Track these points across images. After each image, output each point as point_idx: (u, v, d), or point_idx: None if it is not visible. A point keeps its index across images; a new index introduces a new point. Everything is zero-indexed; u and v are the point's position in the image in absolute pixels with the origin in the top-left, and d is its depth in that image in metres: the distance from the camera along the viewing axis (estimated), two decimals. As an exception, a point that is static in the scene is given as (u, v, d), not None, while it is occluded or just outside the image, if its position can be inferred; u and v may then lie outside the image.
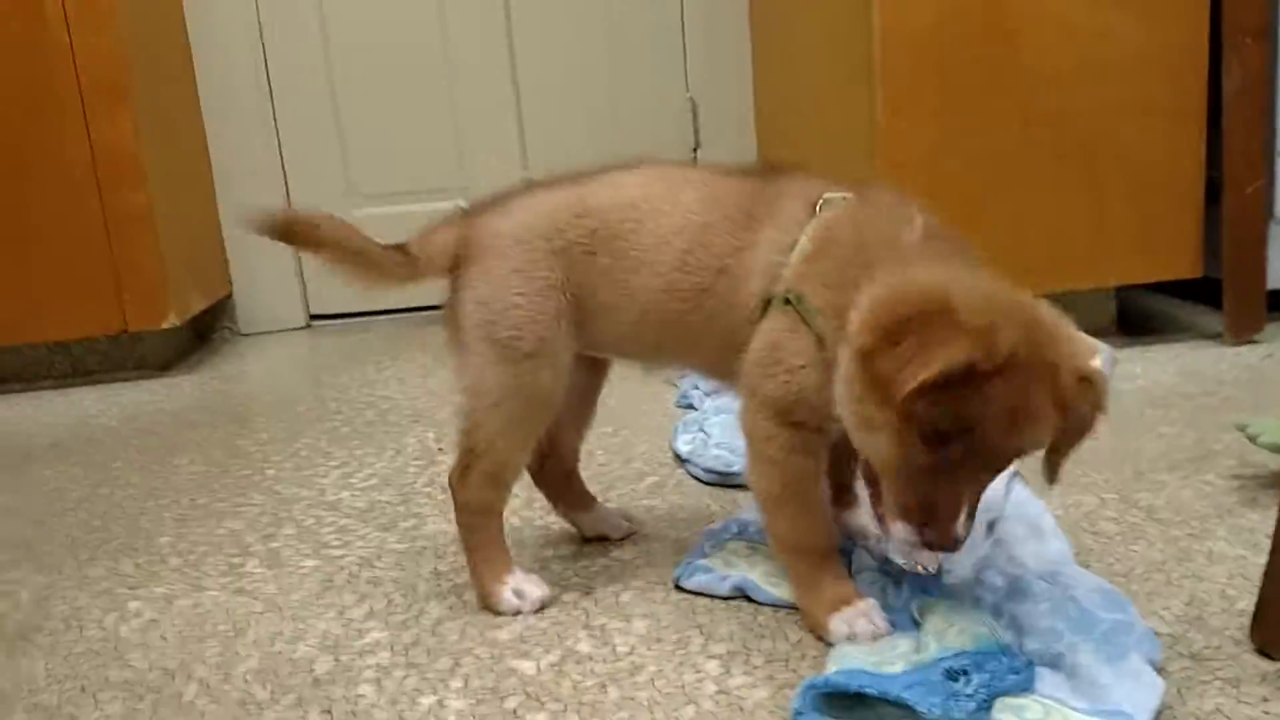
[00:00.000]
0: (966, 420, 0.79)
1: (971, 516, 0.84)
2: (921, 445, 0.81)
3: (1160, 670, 0.86)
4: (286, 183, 2.59)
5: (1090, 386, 0.83)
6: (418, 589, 1.17)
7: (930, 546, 0.84)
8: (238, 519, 1.41)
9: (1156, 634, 0.92)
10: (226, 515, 1.42)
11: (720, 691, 0.92)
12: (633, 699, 0.92)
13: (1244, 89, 1.77)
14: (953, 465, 0.82)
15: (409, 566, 1.22)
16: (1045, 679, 0.85)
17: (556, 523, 1.31)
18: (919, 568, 0.98)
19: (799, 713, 0.83)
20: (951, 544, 0.83)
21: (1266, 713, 0.82)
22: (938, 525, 0.83)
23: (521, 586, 1.08)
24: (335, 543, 1.31)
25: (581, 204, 1.04)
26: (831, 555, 1.00)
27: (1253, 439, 1.21)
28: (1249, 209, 1.80)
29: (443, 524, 1.33)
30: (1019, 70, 1.74)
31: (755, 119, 2.61)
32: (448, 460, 1.55)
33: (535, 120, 2.63)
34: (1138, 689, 0.83)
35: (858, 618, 0.95)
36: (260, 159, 2.56)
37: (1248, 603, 0.94)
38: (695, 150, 2.65)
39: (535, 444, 1.09)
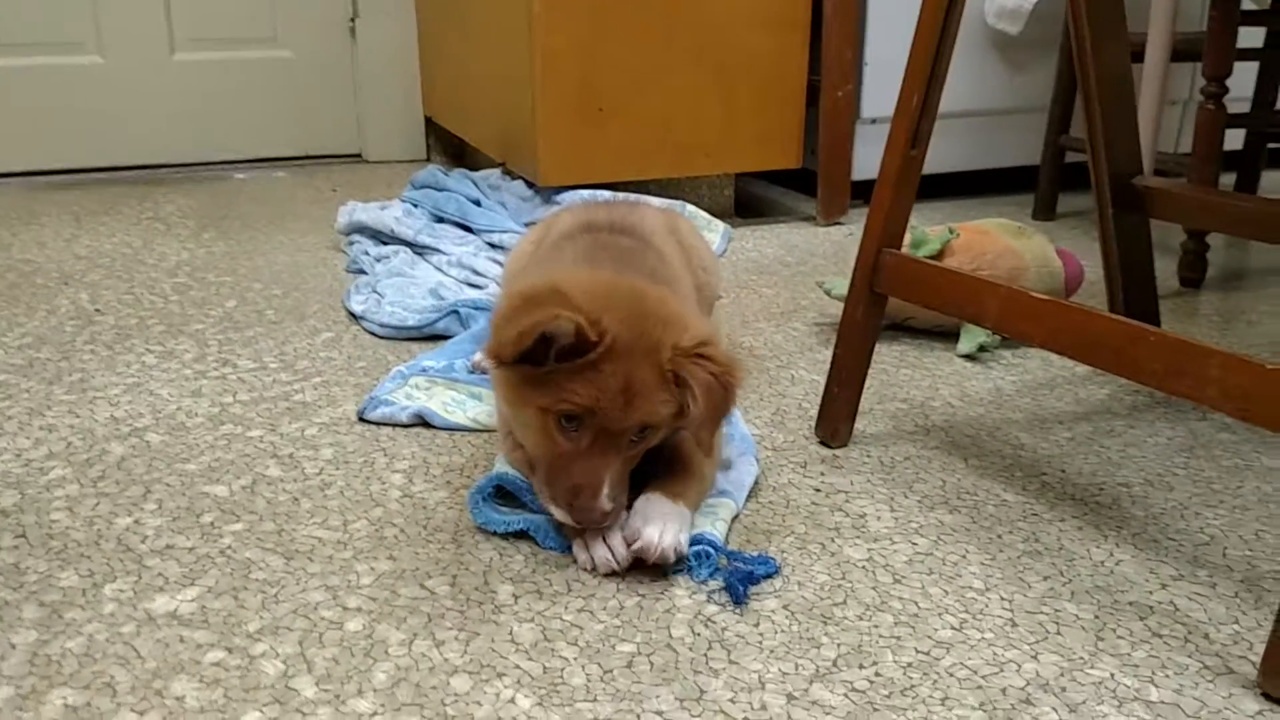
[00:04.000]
0: (585, 401, 0.87)
1: (616, 495, 0.90)
2: (556, 432, 0.90)
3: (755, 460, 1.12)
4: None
5: (703, 359, 0.89)
6: (95, 432, 1.20)
7: (580, 523, 0.89)
8: (-127, 377, 1.34)
9: (753, 435, 1.18)
10: None
11: (405, 496, 1.07)
12: (324, 507, 1.04)
13: (840, 7, 2.08)
14: (588, 449, 0.89)
15: (83, 414, 1.25)
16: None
17: (233, 371, 1.37)
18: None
19: (477, 496, 0.99)
20: (598, 517, 0.89)
21: (823, 482, 1.10)
22: (583, 503, 0.88)
23: None
24: (-4, 395, 1.29)
25: None
26: None
27: (828, 292, 1.51)
28: (841, 110, 2.14)
29: (111, 377, 1.35)
30: (662, -20, 1.94)
31: (415, -6, 2.65)
32: (106, 320, 1.55)
33: (180, -22, 2.50)
34: (741, 474, 1.07)
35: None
36: None
37: (816, 411, 1.22)
38: (353, 20, 2.64)
39: None
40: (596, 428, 0.89)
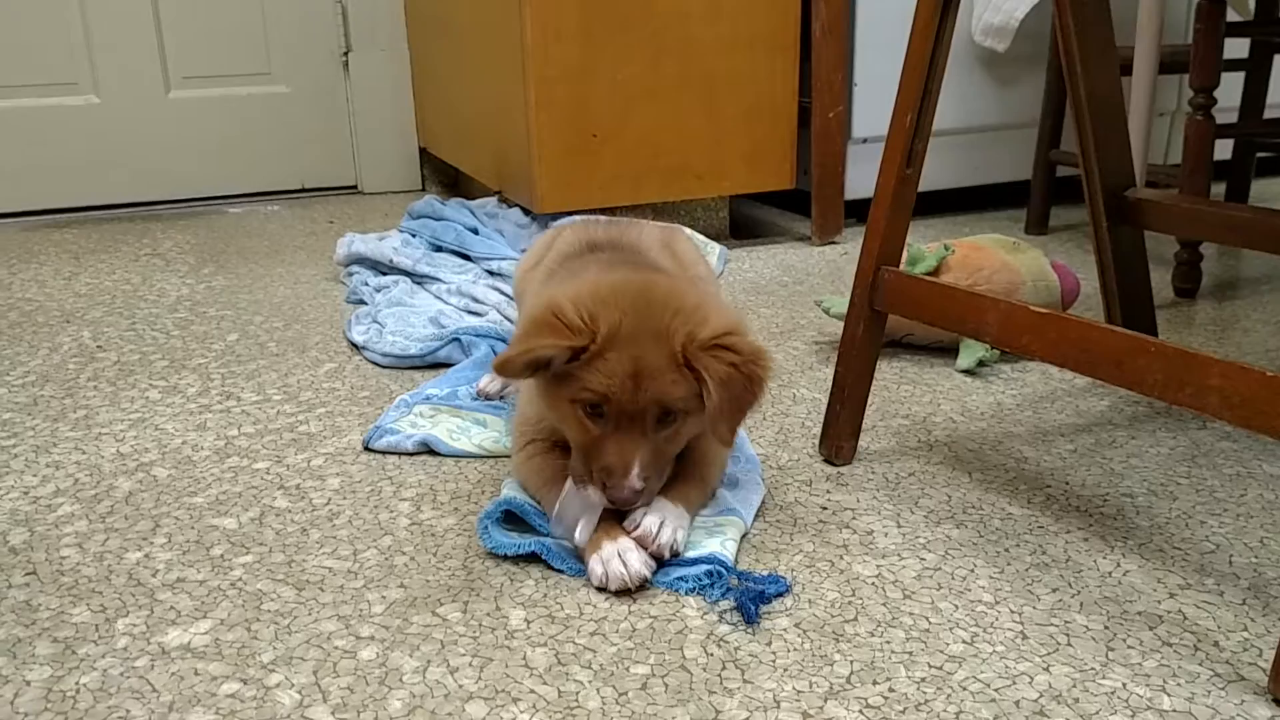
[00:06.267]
0: (597, 388, 0.92)
1: (647, 475, 0.94)
2: (586, 419, 0.95)
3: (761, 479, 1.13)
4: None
5: (723, 350, 0.93)
6: (102, 468, 1.20)
7: (613, 501, 0.93)
8: (-122, 419, 1.34)
9: (758, 455, 1.19)
10: None
11: (413, 524, 1.07)
12: (333, 537, 1.05)
13: (828, 29, 2.10)
14: (615, 432, 0.94)
15: (89, 450, 1.25)
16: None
17: (237, 404, 1.38)
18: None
19: (486, 521, 1.00)
20: (629, 495, 0.93)
21: (829, 500, 1.11)
22: (614, 481, 0.92)
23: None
24: (1, 434, 1.29)
25: None
26: None
27: (826, 311, 1.52)
28: (832, 131, 2.15)
29: (116, 413, 1.36)
30: (650, 9, 1.96)
31: (406, 25, 2.67)
32: (108, 356, 1.56)
33: (175, 21, 2.51)
34: (748, 493, 1.08)
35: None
36: None
37: (819, 429, 1.23)
38: (346, 54, 2.66)
39: None
40: (616, 412, 0.94)
